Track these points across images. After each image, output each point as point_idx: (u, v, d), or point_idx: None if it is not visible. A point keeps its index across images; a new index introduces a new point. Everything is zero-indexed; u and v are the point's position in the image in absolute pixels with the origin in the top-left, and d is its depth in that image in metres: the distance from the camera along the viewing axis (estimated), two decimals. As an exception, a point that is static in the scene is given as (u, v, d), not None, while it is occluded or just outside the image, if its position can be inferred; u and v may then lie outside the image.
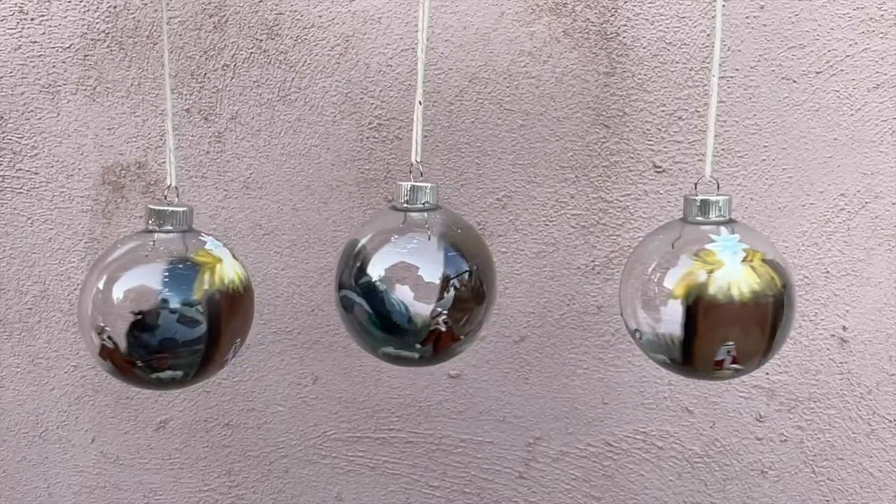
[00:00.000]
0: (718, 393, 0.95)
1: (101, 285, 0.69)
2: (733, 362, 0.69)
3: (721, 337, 0.67)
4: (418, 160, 0.74)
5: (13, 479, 1.00)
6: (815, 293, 0.93)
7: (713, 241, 0.69)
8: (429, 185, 0.73)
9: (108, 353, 0.69)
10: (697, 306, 0.67)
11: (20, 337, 0.96)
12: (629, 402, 0.96)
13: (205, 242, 0.73)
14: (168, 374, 0.69)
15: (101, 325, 0.68)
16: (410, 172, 0.73)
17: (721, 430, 0.95)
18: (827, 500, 0.96)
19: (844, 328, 0.93)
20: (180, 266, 0.70)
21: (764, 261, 0.69)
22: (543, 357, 0.96)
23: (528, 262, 0.94)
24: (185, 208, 0.73)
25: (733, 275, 0.67)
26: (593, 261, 0.94)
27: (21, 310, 0.96)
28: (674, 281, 0.68)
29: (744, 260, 0.68)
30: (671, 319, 0.68)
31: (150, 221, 0.72)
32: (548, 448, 0.98)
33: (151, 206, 0.72)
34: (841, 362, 0.94)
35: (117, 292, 0.69)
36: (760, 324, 0.68)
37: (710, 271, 0.67)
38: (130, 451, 0.99)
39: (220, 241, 0.75)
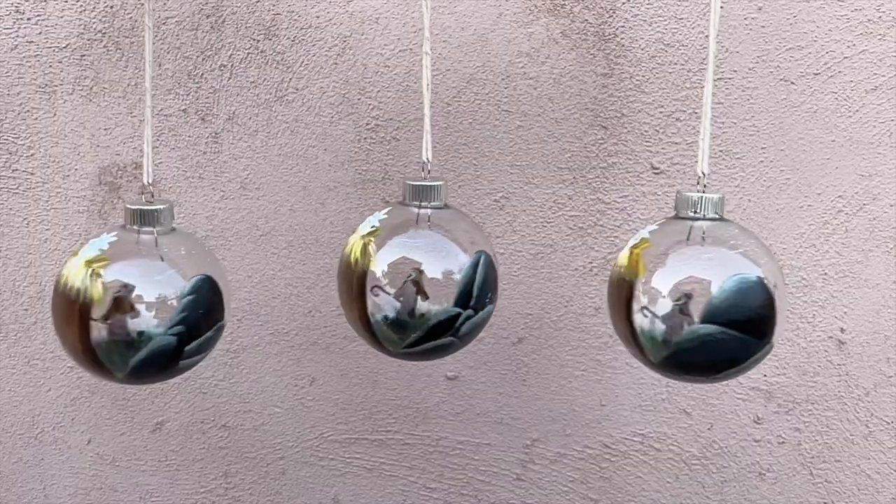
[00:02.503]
0: (716, 395, 0.95)
1: None
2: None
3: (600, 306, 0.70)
4: (429, 158, 0.74)
5: (9, 480, 0.99)
6: (813, 295, 0.93)
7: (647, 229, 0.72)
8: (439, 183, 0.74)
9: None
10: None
11: (16, 338, 0.96)
12: (627, 404, 0.96)
13: (99, 237, 0.70)
14: None
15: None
16: (423, 171, 0.74)
17: (719, 431, 0.95)
18: (825, 502, 0.96)
19: (842, 330, 0.93)
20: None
21: (642, 251, 0.69)
22: (541, 359, 0.96)
23: (526, 263, 0.94)
24: (164, 205, 0.70)
25: (619, 257, 0.70)
26: (591, 262, 0.94)
27: (17, 311, 0.96)
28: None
29: (633, 245, 0.69)
30: None
31: (130, 221, 0.70)
32: (545, 450, 0.98)
33: (130, 206, 0.70)
34: (839, 364, 0.94)
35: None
36: (614, 304, 0.69)
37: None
38: (127, 453, 0.99)
39: (105, 246, 0.69)
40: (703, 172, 0.70)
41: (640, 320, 0.66)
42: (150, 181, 0.72)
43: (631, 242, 0.70)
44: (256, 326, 0.96)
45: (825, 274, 0.92)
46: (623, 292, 0.68)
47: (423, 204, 0.73)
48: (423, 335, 0.72)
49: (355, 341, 0.95)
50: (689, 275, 0.65)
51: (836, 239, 0.92)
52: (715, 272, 0.65)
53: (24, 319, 0.96)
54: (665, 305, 0.65)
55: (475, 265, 0.73)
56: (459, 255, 0.72)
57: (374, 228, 0.73)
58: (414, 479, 0.99)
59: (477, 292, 0.72)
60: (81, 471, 0.99)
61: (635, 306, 0.66)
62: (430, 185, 0.73)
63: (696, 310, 0.64)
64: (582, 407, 0.97)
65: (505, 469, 0.98)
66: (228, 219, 0.94)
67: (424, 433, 0.97)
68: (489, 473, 0.98)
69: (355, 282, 0.72)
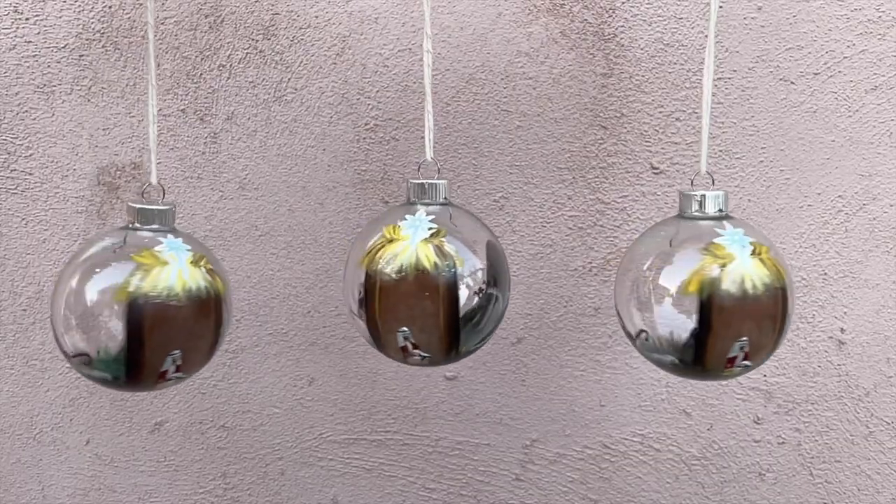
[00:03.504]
0: (716, 395, 0.95)
1: (73, 284, 0.69)
2: (745, 359, 0.68)
3: (736, 333, 0.66)
4: (432, 157, 0.74)
5: (7, 481, 0.99)
6: (813, 295, 0.93)
7: (720, 234, 0.68)
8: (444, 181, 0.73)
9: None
10: (712, 302, 0.66)
11: (14, 338, 0.96)
12: (626, 405, 0.96)
13: (160, 242, 0.71)
14: (97, 373, 0.69)
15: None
16: (419, 169, 0.74)
17: (718, 432, 0.95)
18: (825, 503, 0.96)
19: (842, 330, 0.93)
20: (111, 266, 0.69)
21: (768, 254, 0.69)
22: (540, 359, 0.96)
23: (526, 263, 0.94)
24: (167, 207, 0.71)
25: (745, 268, 0.66)
26: (590, 262, 0.94)
27: (15, 311, 0.96)
28: (683, 277, 0.67)
29: (753, 253, 0.68)
30: (678, 317, 0.67)
31: (130, 220, 0.71)
32: (545, 450, 0.98)
33: (132, 205, 0.71)
34: (839, 364, 0.94)
35: (90, 291, 0.68)
36: (773, 317, 0.68)
37: (723, 265, 0.67)
38: (125, 454, 0.99)
39: (186, 244, 0.72)
40: (706, 171, 0.70)
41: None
42: (156, 180, 0.73)
43: (745, 251, 0.67)
44: (255, 327, 0.96)
45: (825, 274, 0.92)
46: (776, 301, 0.67)
47: (448, 201, 0.74)
48: (494, 326, 0.73)
49: (354, 341, 0.95)
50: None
51: (835, 239, 0.92)
52: None
53: (22, 320, 0.96)
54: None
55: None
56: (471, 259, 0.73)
57: (434, 230, 0.71)
58: (413, 480, 0.99)
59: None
60: (80, 471, 0.99)
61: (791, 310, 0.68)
62: (434, 184, 0.73)
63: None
64: (581, 407, 0.97)
65: (504, 469, 0.98)
66: (227, 219, 0.94)
67: (423, 433, 0.97)
68: (488, 474, 0.98)
69: (442, 285, 0.69)
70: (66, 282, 0.70)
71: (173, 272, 0.69)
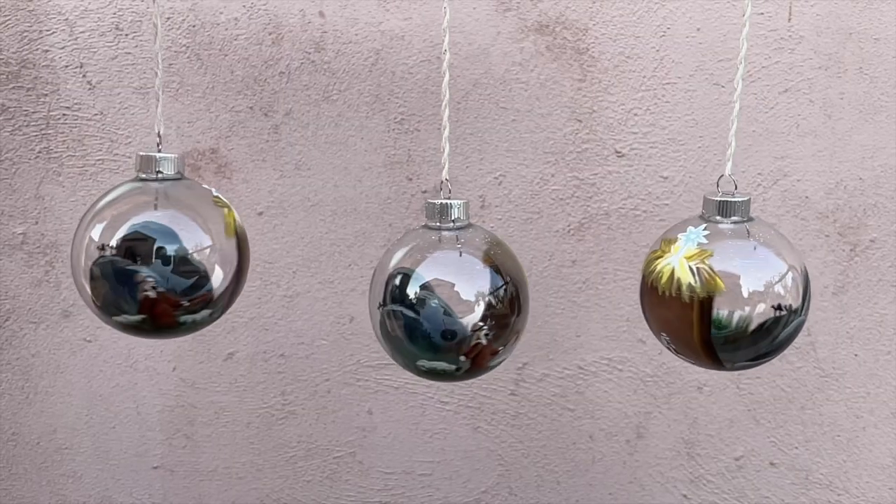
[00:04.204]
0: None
1: (94, 235, 0.67)
2: None
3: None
4: (447, 178, 0.76)
5: (108, 401, 1.18)
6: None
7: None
8: (461, 202, 0.72)
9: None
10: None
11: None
12: (596, 335, 1.13)
13: (211, 190, 0.72)
14: (203, 314, 0.69)
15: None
16: (440, 191, 0.76)
17: (667, 355, 1.10)
18: (748, 409, 1.17)
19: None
20: (200, 213, 0.67)
21: None
22: (531, 300, 1.11)
23: (519, 226, 1.13)
24: (175, 155, 0.71)
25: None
26: (569, 226, 1.12)
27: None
28: None
29: None
30: None
31: (143, 169, 0.69)
32: (533, 371, 1.15)
33: (142, 154, 0.69)
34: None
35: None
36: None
37: None
38: (204, 378, 1.17)
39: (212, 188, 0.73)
40: (730, 175, 0.76)
41: None
42: (162, 130, 0.76)
43: None
44: (308, 277, 1.15)
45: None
46: None
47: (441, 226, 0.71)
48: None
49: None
50: None
51: (755, 206, 1.06)
52: None
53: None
54: None
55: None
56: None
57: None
58: (431, 395, 1.17)
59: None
60: (167, 392, 1.17)
61: None
62: (450, 203, 0.72)
63: None
64: (562, 337, 1.14)
65: (502, 386, 1.16)
66: (285, 192, 1.14)
67: (439, 360, 1.18)
68: (489, 390, 1.16)
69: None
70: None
71: (236, 214, 0.73)
